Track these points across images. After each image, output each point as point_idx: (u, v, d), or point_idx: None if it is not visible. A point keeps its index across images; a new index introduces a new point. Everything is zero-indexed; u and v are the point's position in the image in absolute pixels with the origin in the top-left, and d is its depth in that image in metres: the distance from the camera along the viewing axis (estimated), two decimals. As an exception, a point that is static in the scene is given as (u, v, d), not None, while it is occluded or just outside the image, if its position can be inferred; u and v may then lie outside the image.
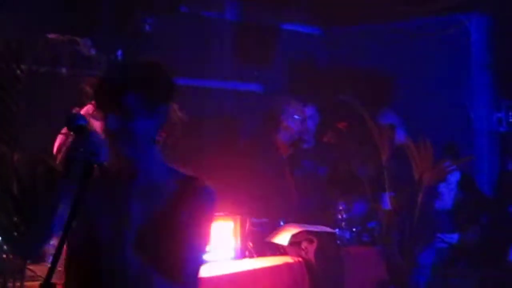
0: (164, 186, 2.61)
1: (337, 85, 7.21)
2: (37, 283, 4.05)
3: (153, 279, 2.49)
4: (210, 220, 2.62)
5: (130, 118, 2.54)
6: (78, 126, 2.51)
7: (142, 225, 2.55)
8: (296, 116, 6.10)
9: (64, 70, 5.34)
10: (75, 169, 2.51)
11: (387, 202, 6.04)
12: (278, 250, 5.37)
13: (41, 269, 4.33)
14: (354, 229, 6.11)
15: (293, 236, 5.32)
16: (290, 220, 5.64)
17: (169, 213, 2.57)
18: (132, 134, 2.55)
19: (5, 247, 4.08)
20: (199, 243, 2.60)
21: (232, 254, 5.13)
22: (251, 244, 5.23)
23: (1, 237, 4.07)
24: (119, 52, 6.06)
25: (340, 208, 5.92)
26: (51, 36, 4.12)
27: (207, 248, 2.64)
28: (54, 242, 3.82)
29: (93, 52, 5.69)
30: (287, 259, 5.27)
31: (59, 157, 4.00)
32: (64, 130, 4.14)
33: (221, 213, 5.10)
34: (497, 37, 7.52)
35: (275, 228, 5.54)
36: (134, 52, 5.98)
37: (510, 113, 7.40)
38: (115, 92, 2.57)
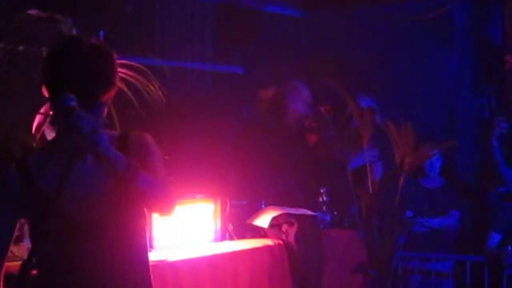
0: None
1: (319, 68, 7.18)
2: (15, 263, 4.02)
3: None
4: (156, 152, 2.83)
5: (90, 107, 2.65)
6: (69, 107, 2.54)
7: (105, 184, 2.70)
8: (303, 100, 6.10)
9: (44, 49, 5.28)
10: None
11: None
12: (258, 232, 5.36)
13: (18, 249, 4.30)
14: (335, 213, 6.11)
15: (274, 218, 5.31)
16: (271, 202, 5.63)
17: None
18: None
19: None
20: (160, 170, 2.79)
21: (212, 236, 5.11)
22: (231, 226, 5.21)
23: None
24: (101, 33, 6.01)
25: (321, 191, 5.92)
26: (30, 12, 4.06)
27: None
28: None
29: (74, 31, 5.63)
30: (267, 241, 5.26)
31: (38, 136, 3.96)
32: (43, 109, 4.10)
33: (201, 195, 5.08)
34: (481, 22, 7.51)
35: (255, 211, 5.53)
36: (116, 33, 5.93)
37: (493, 99, 7.39)
38: (85, 95, 2.61)
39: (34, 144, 3.87)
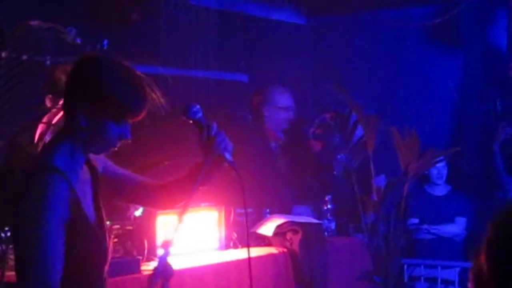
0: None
1: (324, 75, 7.18)
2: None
3: None
4: None
5: None
6: (197, 120, 2.72)
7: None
8: (278, 105, 6.07)
9: (48, 58, 5.27)
10: None
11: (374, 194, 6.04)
12: (262, 240, 5.35)
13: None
14: (340, 220, 6.10)
15: (278, 226, 5.30)
16: (275, 210, 5.61)
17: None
18: None
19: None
20: None
21: (216, 244, 5.10)
22: (235, 235, 5.20)
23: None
24: (105, 42, 6.00)
25: (326, 198, 5.90)
26: (33, 23, 4.06)
27: None
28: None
29: (78, 41, 5.62)
30: (272, 250, 5.25)
31: (40, 145, 3.96)
32: (46, 118, 4.09)
33: (205, 203, 5.07)
34: (486, 29, 7.50)
35: (260, 219, 5.52)
36: (120, 42, 5.93)
37: (498, 106, 7.37)
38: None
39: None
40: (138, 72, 2.67)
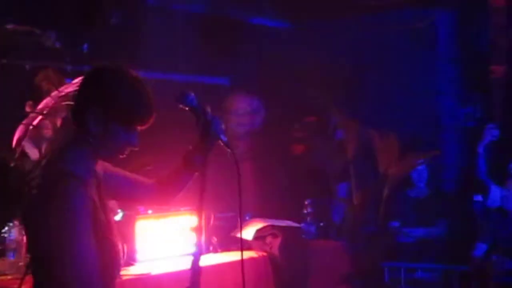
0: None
1: (306, 80, 7.17)
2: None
3: None
4: None
5: None
6: (194, 107, 2.76)
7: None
8: (230, 109, 6.07)
9: (27, 62, 5.25)
10: None
11: (344, 191, 6.04)
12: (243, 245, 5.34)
13: (2, 264, 4.30)
14: (321, 224, 6.11)
15: (258, 231, 5.30)
16: (255, 214, 5.61)
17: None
18: None
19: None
20: None
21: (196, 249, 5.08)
22: (215, 239, 5.20)
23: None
24: (85, 46, 5.99)
25: (306, 202, 5.91)
26: (9, 27, 4.03)
27: None
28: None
29: (57, 45, 5.60)
30: (252, 253, 5.25)
31: (18, 150, 3.94)
32: (25, 120, 4.07)
33: (185, 207, 5.06)
34: (466, 32, 7.53)
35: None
36: (100, 46, 5.92)
37: (477, 108, 7.40)
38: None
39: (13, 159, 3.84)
40: (145, 81, 2.70)
